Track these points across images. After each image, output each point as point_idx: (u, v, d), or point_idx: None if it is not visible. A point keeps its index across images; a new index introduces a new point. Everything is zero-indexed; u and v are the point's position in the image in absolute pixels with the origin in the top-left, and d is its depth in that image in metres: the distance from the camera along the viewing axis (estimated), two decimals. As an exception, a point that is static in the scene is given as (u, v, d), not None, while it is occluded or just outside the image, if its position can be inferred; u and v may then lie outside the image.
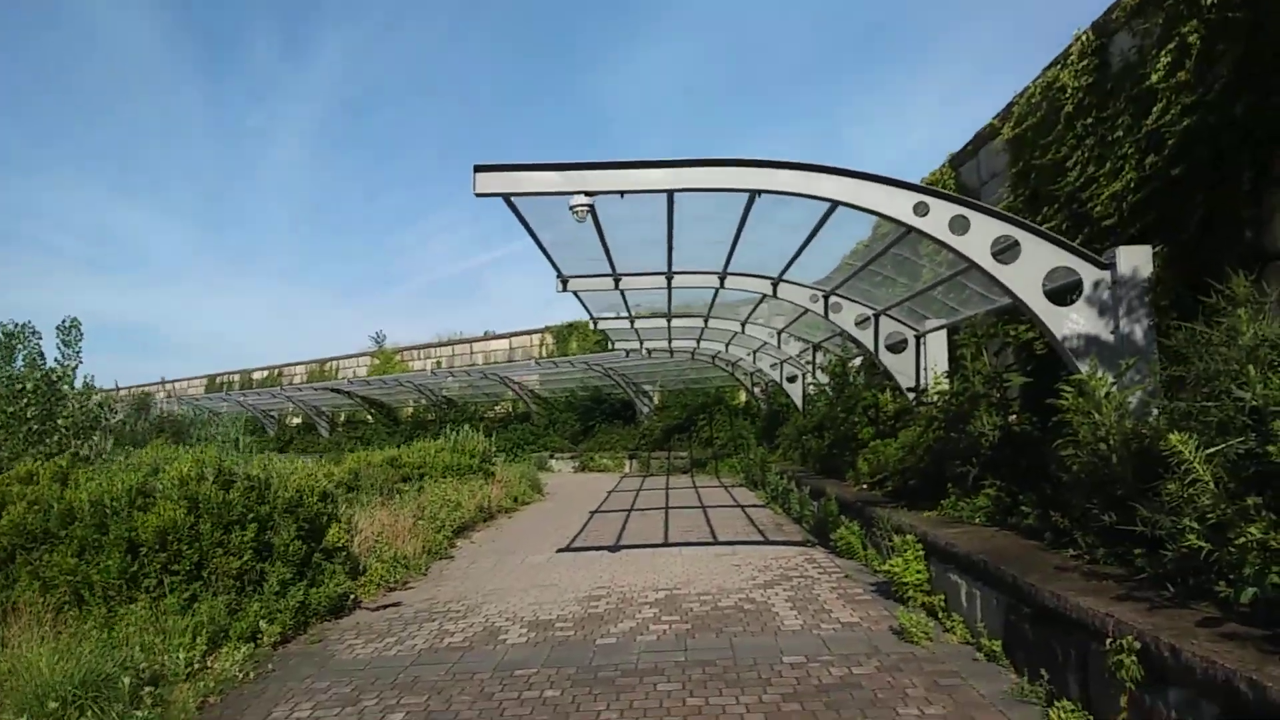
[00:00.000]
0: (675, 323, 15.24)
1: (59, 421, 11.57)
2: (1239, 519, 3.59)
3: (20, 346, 12.07)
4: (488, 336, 35.75)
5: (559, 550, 10.48)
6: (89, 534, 6.55)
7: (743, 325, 15.51)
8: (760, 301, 13.17)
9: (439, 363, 36.33)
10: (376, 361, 39.22)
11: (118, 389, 28.55)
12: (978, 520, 6.84)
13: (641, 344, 17.95)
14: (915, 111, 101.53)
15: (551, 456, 27.20)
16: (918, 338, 10.51)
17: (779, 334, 15.91)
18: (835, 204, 6.85)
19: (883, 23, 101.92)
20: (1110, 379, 5.34)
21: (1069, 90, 8.11)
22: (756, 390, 24.12)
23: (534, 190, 6.78)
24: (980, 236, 6.22)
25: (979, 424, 7.16)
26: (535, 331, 33.75)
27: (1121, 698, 3.68)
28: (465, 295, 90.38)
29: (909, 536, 6.75)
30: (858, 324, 10.99)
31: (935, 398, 8.43)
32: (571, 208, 6.83)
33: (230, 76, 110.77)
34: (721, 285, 11.29)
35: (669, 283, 11.25)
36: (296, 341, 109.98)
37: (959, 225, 6.26)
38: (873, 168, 6.49)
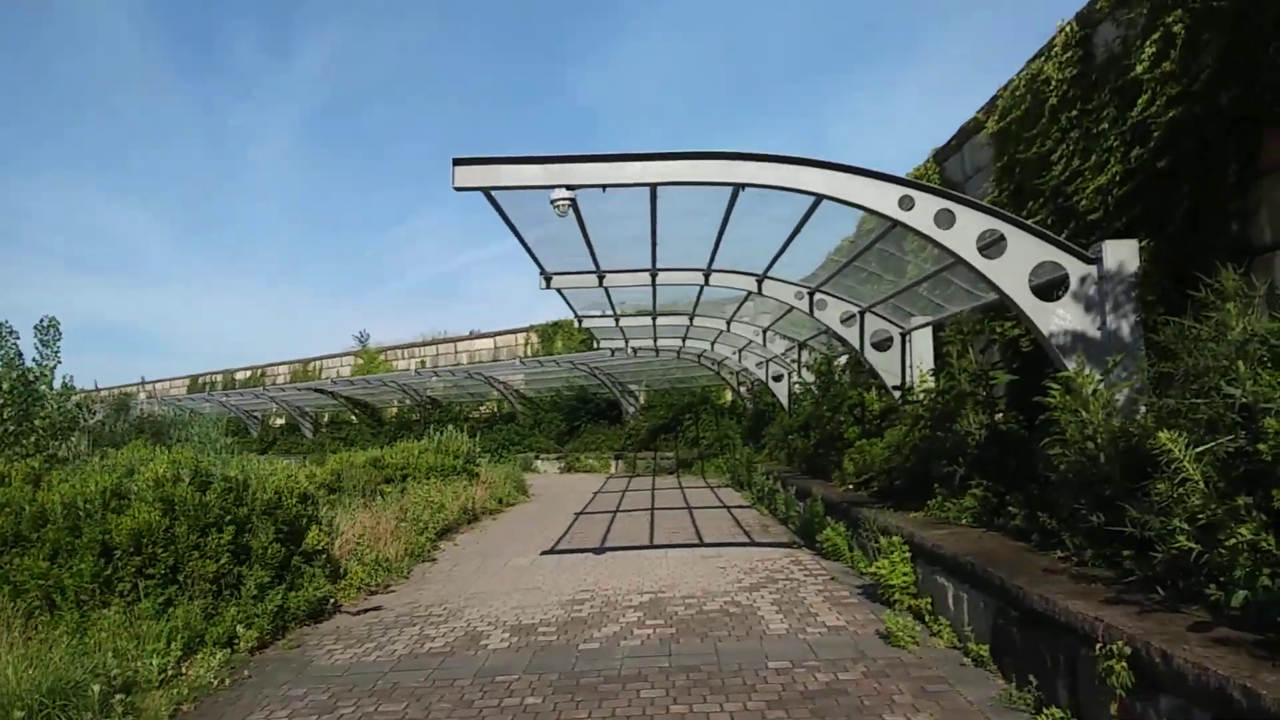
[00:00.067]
0: (660, 320, 15.16)
1: (36, 422, 11.36)
2: (1229, 519, 3.52)
3: (-4, 346, 11.83)
4: (473, 336, 35.59)
5: (543, 553, 10.38)
6: (61, 537, 6.40)
7: (728, 323, 15.44)
8: (745, 299, 13.10)
9: (423, 362, 36.15)
10: (360, 361, 39.02)
11: (97, 389, 28.30)
12: (964, 521, 6.77)
13: (627, 343, 17.86)
14: (902, 108, 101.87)
15: (537, 457, 27.08)
16: (903, 335, 10.46)
17: (764, 332, 15.86)
18: (820, 198, 6.77)
19: (872, 20, 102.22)
20: (1097, 376, 5.27)
21: (1053, 82, 8.05)
22: (742, 389, 24.07)
23: (514, 184, 6.67)
24: (966, 231, 6.15)
25: (965, 423, 7.10)
26: (520, 331, 33.62)
27: (1112, 705, 3.60)
28: (450, 294, 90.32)
29: (895, 538, 6.68)
30: (843, 321, 10.93)
31: (921, 396, 8.37)
32: (553, 202, 6.74)
33: (216, 75, 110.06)
34: (706, 282, 11.21)
35: (653, 280, 11.16)
36: (281, 341, 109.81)
37: (944, 219, 6.18)
38: (859, 164, 6.41)
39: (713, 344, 18.26)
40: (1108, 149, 7.08)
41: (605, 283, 11.08)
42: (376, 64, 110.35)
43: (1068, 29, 7.90)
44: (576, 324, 15.26)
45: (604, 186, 6.73)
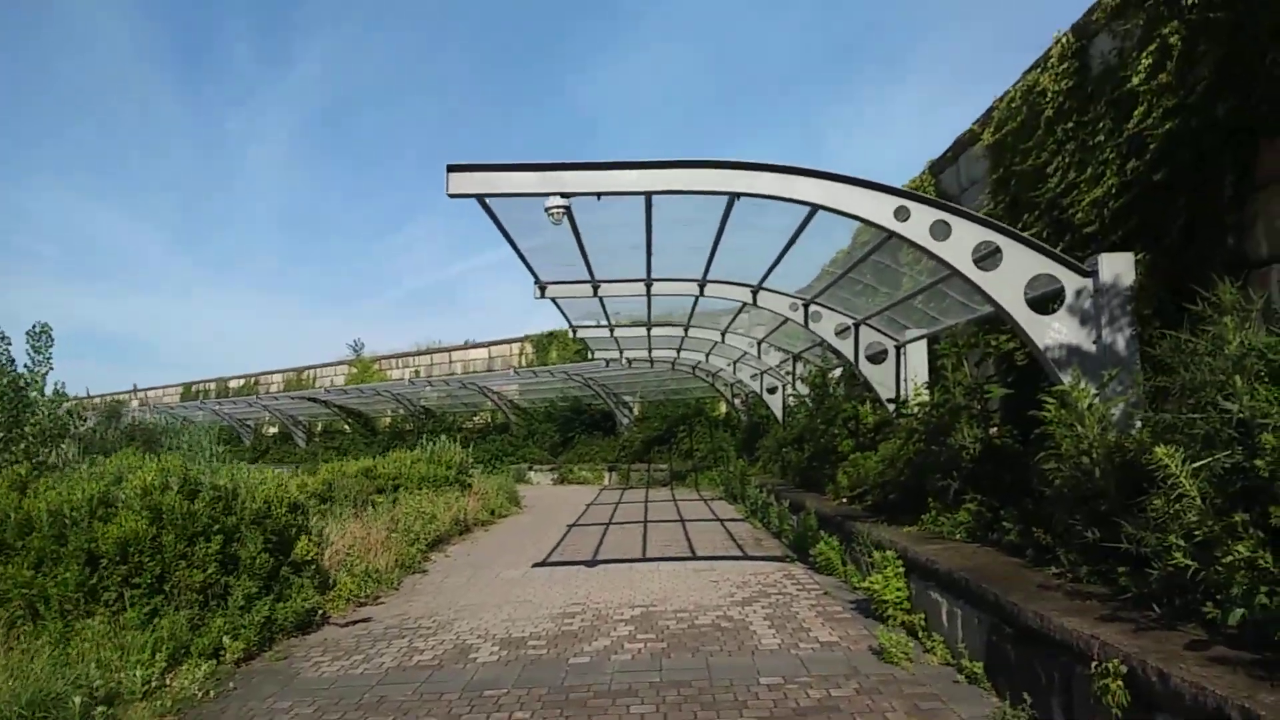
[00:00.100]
0: (655, 331, 15.13)
1: (26, 429, 11.28)
2: (1226, 536, 3.48)
3: (-12, 352, 11.76)
4: (467, 345, 35.52)
5: (535, 565, 10.30)
6: (47, 545, 6.31)
7: (723, 334, 15.41)
8: (740, 310, 13.07)
9: (417, 372, 36.06)
10: (354, 370, 38.93)
11: (89, 396, 28.16)
12: (959, 536, 6.72)
13: (621, 353, 17.82)
14: (897, 120, 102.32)
15: (530, 468, 26.96)
16: (898, 348, 10.43)
17: (759, 344, 15.83)
18: (815, 208, 6.74)
19: (866, 31, 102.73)
20: (1093, 390, 5.23)
21: (1049, 94, 8.04)
22: (737, 401, 24.02)
23: (509, 191, 6.63)
24: (961, 242, 6.13)
25: (960, 436, 7.06)
26: (515, 340, 33.55)
27: (1107, 723, 3.54)
28: (445, 303, 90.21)
29: (889, 553, 6.62)
30: (838, 333, 10.90)
31: (915, 409, 8.34)
32: (547, 209, 6.70)
33: (212, 80, 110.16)
34: (701, 293, 11.18)
35: (648, 290, 11.14)
36: (276, 350, 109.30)
37: (940, 231, 6.16)
38: (854, 174, 6.39)
39: (707, 355, 18.22)
40: (1104, 161, 7.07)
41: (600, 293, 11.05)
42: (372, 71, 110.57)
43: (1064, 41, 7.90)
44: (571, 334, 15.21)
45: (599, 194, 6.71)
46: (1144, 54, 6.59)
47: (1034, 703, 4.31)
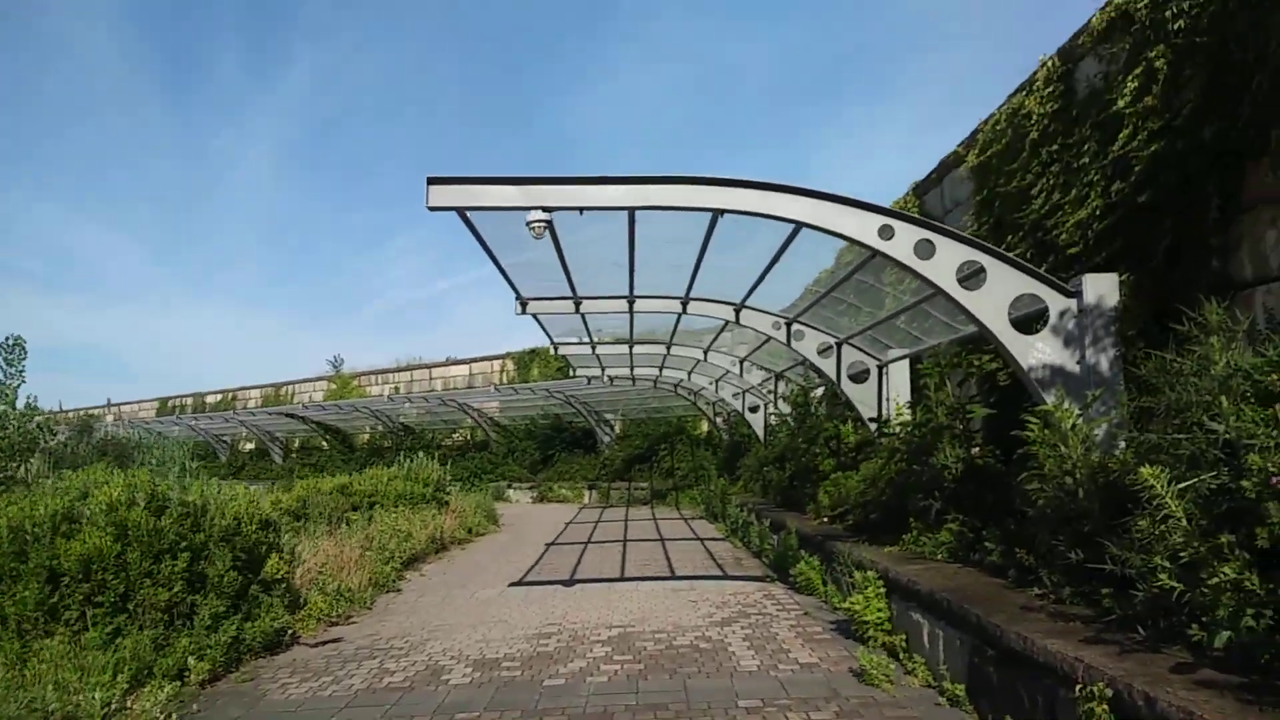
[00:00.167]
0: (637, 349, 15.05)
1: (-6, 443, 11.05)
2: (1212, 558, 3.43)
3: (-43, 365, 11.53)
4: (448, 362, 35.32)
5: (511, 584, 10.14)
6: (6, 562, 6.12)
7: (705, 353, 15.34)
8: (723, 329, 13.03)
9: (397, 388, 35.82)
10: (334, 386, 38.62)
11: (62, 410, 27.74)
12: (940, 556, 6.64)
13: (603, 371, 17.73)
14: (880, 142, 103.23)
15: (509, 486, 26.78)
16: (880, 367, 10.39)
17: (741, 362, 15.78)
18: (799, 225, 6.69)
19: (849, 54, 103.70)
20: (1076, 410, 5.19)
21: (1034, 116, 8.07)
22: (719, 420, 23.96)
23: (490, 204, 6.54)
24: (946, 261, 6.10)
25: (942, 456, 7.00)
26: (497, 357, 33.39)
27: (1093, 748, 3.46)
28: (427, 320, 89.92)
29: (870, 573, 6.54)
30: (820, 353, 10.86)
31: (898, 429, 8.29)
32: (529, 224, 6.61)
33: (196, 93, 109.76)
34: (684, 310, 11.12)
35: (631, 307, 11.06)
36: (254, 365, 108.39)
37: (924, 250, 6.12)
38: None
39: (690, 374, 18.15)
40: (1088, 183, 7.08)
41: (582, 309, 10.96)
42: (357, 87, 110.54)
43: (1050, 64, 7.93)
44: (553, 351, 15.10)
45: (581, 209, 6.64)
46: (1130, 77, 6.61)
47: (1017, 727, 4.23)
